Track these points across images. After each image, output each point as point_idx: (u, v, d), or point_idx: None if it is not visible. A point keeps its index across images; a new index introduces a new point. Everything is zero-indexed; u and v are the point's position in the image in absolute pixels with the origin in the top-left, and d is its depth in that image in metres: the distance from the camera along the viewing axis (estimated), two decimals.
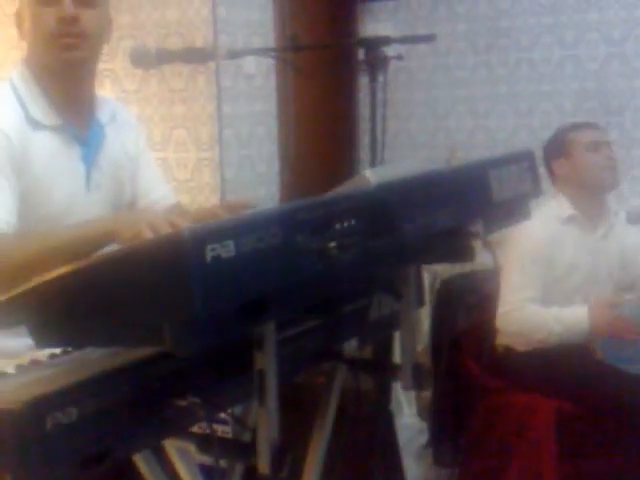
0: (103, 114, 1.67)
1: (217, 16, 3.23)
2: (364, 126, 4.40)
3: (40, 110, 1.56)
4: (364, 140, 4.38)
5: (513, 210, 1.36)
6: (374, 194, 1.07)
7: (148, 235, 1.25)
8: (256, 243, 0.90)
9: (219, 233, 0.88)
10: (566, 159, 2.54)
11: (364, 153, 4.35)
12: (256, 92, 3.46)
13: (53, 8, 1.51)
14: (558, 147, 2.59)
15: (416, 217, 1.10)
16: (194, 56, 1.66)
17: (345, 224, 1.00)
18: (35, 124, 1.55)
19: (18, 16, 1.60)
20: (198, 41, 3.24)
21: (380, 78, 1.78)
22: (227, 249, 0.87)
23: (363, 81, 4.29)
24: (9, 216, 1.44)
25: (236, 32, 3.33)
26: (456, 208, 1.18)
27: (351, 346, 1.39)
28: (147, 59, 1.63)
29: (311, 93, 3.87)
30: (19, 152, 1.49)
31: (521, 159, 1.38)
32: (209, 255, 0.85)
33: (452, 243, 1.20)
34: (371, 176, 1.10)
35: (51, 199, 1.54)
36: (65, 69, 1.55)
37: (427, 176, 1.19)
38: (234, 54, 1.78)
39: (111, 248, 1.30)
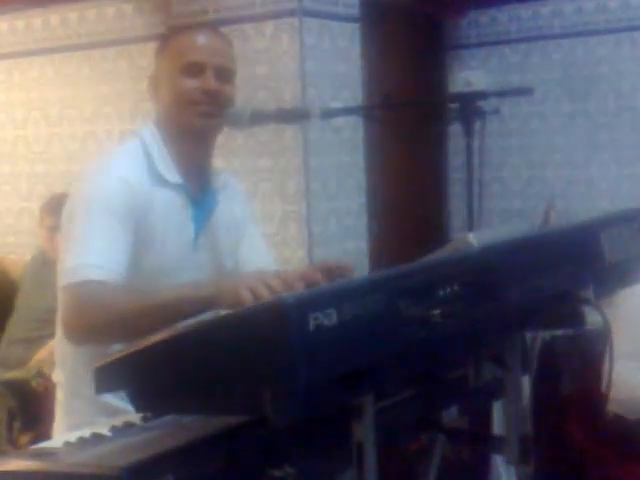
0: (217, 181, 1.77)
1: (306, 70, 3.26)
2: (454, 175, 4.37)
3: (166, 167, 1.67)
4: (454, 189, 4.35)
5: (625, 272, 1.32)
6: (478, 258, 1.05)
7: (248, 300, 1.30)
8: (358, 311, 0.90)
9: (322, 301, 0.89)
10: None
11: (454, 203, 4.31)
12: (344, 144, 3.46)
13: (197, 80, 1.65)
14: None
15: (522, 282, 1.08)
16: (288, 117, 1.69)
17: (448, 290, 0.99)
18: (158, 180, 1.65)
19: (154, 81, 1.73)
20: (286, 95, 3.28)
21: (476, 127, 1.79)
22: (330, 317, 0.88)
23: (453, 129, 4.18)
24: (120, 268, 1.52)
25: (324, 85, 3.35)
26: (565, 272, 1.16)
27: (450, 415, 1.35)
28: (241, 120, 1.67)
29: (400, 143, 3.89)
30: (141, 204, 1.60)
31: (631, 218, 1.36)
32: (312, 324, 0.87)
33: (561, 308, 1.18)
34: (474, 239, 1.09)
35: (162, 254, 1.63)
36: (199, 134, 1.68)
37: (533, 238, 1.18)
38: (328, 114, 1.78)
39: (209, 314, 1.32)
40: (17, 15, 4.13)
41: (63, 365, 1.69)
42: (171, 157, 1.68)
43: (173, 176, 1.67)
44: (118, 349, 1.12)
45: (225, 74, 1.69)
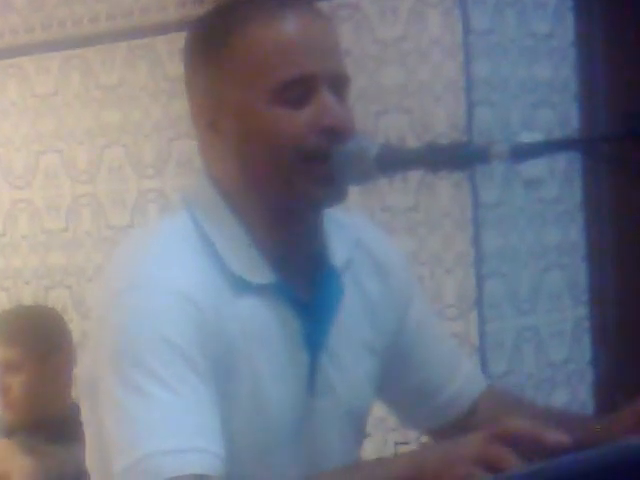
0: (341, 253, 1.65)
1: (473, 75, 3.03)
2: None
3: (241, 260, 1.58)
4: None
5: None
6: None
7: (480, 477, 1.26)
8: None
9: None
10: None
11: None
12: (545, 210, 3.25)
13: (304, 110, 1.56)
14: None
15: None
16: (445, 160, 1.64)
17: None
18: (234, 284, 1.58)
19: (207, 109, 1.60)
20: (439, 119, 3.05)
21: None
22: None
23: None
24: (217, 446, 1.45)
25: (508, 101, 3.17)
26: None
27: None
28: (361, 166, 1.63)
29: None
30: (215, 333, 1.52)
31: None
32: None
33: None
34: None
35: (256, 411, 1.55)
36: (315, 209, 1.61)
37: None
38: (520, 153, 1.62)
39: None
40: None
41: None
42: (248, 238, 1.58)
43: (257, 273, 1.57)
44: None
45: (343, 86, 1.59)
